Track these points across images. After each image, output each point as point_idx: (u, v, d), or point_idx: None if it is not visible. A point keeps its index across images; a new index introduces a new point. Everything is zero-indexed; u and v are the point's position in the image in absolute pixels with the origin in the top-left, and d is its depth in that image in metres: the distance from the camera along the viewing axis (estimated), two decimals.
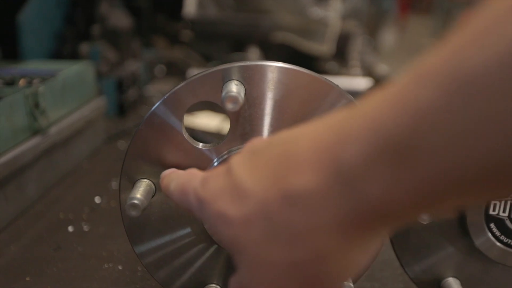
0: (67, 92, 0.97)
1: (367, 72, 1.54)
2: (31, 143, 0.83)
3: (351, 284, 0.54)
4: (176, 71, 1.76)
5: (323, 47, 1.71)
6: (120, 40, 1.44)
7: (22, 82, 0.92)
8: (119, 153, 1.10)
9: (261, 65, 0.51)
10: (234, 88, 0.48)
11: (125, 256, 0.69)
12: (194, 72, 1.61)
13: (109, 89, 1.33)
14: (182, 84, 0.51)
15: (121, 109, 1.36)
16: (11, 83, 0.92)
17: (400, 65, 2.06)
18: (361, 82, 1.57)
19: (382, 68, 1.34)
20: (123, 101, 1.37)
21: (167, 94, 0.51)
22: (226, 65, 0.51)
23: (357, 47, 1.86)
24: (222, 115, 1.25)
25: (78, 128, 1.00)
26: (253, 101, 0.51)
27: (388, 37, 3.48)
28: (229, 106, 0.47)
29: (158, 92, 1.52)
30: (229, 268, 0.55)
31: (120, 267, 0.66)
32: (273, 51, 1.82)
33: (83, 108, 1.04)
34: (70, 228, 0.76)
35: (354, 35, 1.80)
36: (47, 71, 0.98)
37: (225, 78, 0.50)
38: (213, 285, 0.55)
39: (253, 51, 1.57)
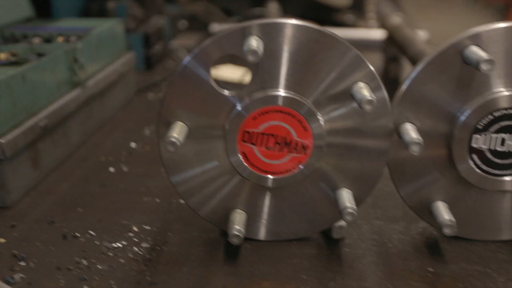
0: (101, 48, 1.07)
1: (382, 23, 1.59)
2: (72, 95, 0.92)
3: (344, 222, 0.64)
4: (198, 25, 1.83)
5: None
6: None
7: (60, 39, 1.02)
8: (149, 104, 1.20)
9: (277, 22, 0.60)
10: (254, 42, 0.57)
11: (161, 191, 0.79)
12: (216, 27, 1.68)
13: (136, 44, 1.42)
14: (209, 40, 0.60)
15: (148, 63, 1.45)
16: (49, 40, 1.02)
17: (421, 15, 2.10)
18: (376, 34, 1.63)
19: (395, 19, 1.40)
20: (150, 56, 1.45)
21: (197, 49, 0.60)
22: (247, 23, 0.60)
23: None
24: (243, 68, 1.33)
25: (112, 81, 1.10)
26: (270, 53, 0.60)
27: None
28: (250, 58, 0.56)
29: (182, 46, 1.60)
30: (252, 196, 0.65)
31: (157, 200, 0.77)
32: (292, 4, 1.87)
33: (115, 63, 1.13)
34: (112, 169, 0.87)
35: None
36: (81, 28, 1.07)
37: (246, 34, 0.59)
38: (238, 210, 0.65)
39: (272, 5, 1.63)
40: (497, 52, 0.61)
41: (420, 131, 0.62)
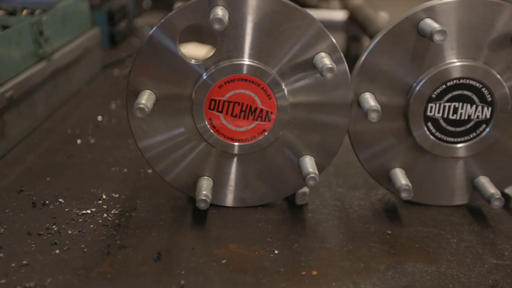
0: (65, 22, 1.06)
1: (344, 4, 1.62)
2: (38, 67, 0.92)
3: (307, 189, 0.66)
4: (162, 4, 1.83)
5: None
6: None
7: (25, 12, 1.01)
8: (115, 79, 1.20)
9: None
10: (220, 11, 0.59)
11: (129, 162, 0.80)
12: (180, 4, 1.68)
13: (101, 21, 1.41)
14: (175, 10, 0.62)
15: (113, 40, 1.45)
16: (13, 13, 1.01)
17: None
18: (338, 15, 1.66)
19: (357, 0, 1.43)
20: (115, 33, 1.45)
21: (163, 19, 0.62)
22: None
23: None
24: (208, 46, 1.34)
25: (77, 56, 1.10)
26: (235, 23, 0.62)
27: None
28: (216, 26, 0.58)
29: (146, 24, 1.60)
30: (219, 163, 0.67)
31: (125, 170, 0.78)
32: None
33: (80, 38, 1.13)
34: (79, 141, 0.88)
35: None
36: (45, 2, 1.07)
37: (212, 4, 0.61)
38: (205, 177, 0.67)
39: None
40: (450, 24, 0.64)
41: (378, 100, 0.65)
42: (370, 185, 0.75)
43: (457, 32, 0.64)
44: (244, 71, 0.62)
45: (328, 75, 0.59)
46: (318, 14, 1.94)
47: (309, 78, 0.64)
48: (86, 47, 1.15)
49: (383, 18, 1.33)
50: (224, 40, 0.62)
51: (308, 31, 0.62)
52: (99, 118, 0.98)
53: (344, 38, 1.40)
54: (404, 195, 0.65)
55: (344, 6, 1.53)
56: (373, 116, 0.61)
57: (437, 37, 0.60)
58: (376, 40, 0.64)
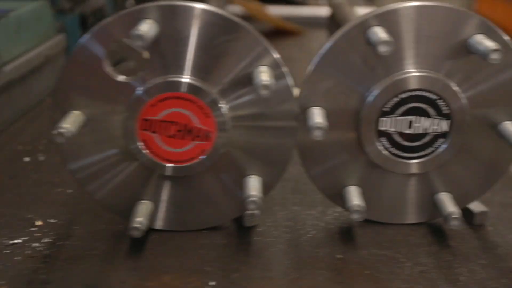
0: (22, 30, 1.02)
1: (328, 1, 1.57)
2: None
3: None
4: None
5: None
6: None
7: None
8: None
9: (177, 5, 0.57)
10: (144, 27, 0.54)
11: (76, 181, 0.76)
12: None
13: (72, 26, 1.37)
14: (110, 19, 0.57)
15: None
16: None
17: None
18: (323, 11, 1.61)
19: None
20: None
21: (96, 28, 0.57)
22: (142, 5, 0.57)
23: None
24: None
25: (36, 66, 1.06)
26: (168, 37, 0.57)
27: None
28: (136, 43, 0.53)
29: None
30: (159, 186, 0.62)
31: (70, 191, 0.74)
32: None
33: (40, 46, 1.09)
34: (27, 159, 0.83)
35: None
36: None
37: (140, 16, 0.56)
38: (145, 201, 0.62)
39: None
40: (408, 31, 0.59)
41: (328, 113, 0.60)
42: (328, 202, 0.70)
43: (414, 40, 0.59)
44: (180, 89, 0.58)
45: (263, 92, 0.54)
46: (304, 11, 1.90)
47: (251, 94, 0.59)
48: (47, 56, 1.11)
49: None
50: (157, 55, 0.58)
51: (250, 46, 0.58)
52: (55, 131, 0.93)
53: (327, 36, 1.35)
54: (355, 216, 0.60)
55: (328, 3, 1.48)
56: (317, 135, 0.57)
57: (381, 48, 0.55)
58: (324, 49, 0.60)
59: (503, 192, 0.74)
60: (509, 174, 0.78)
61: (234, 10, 1.42)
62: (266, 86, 0.54)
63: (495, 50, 0.55)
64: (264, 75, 0.55)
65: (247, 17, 1.45)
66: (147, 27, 0.54)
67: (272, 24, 1.62)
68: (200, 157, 0.60)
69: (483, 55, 0.56)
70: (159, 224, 0.64)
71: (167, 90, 0.58)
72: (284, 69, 0.59)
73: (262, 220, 0.67)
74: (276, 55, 0.58)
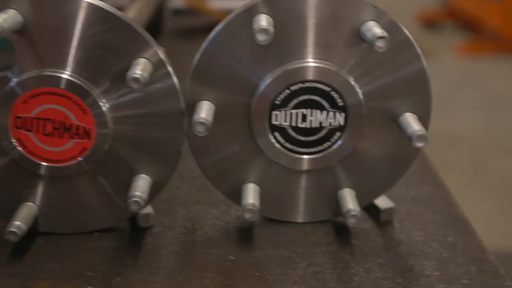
0: None
1: None
2: None
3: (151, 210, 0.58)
4: None
5: None
6: None
7: None
8: None
9: None
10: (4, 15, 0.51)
11: None
12: None
13: None
14: None
15: None
16: None
17: None
18: None
19: None
20: None
21: None
22: None
23: None
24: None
25: None
26: (41, 29, 0.54)
27: None
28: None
29: None
30: (45, 188, 0.59)
31: None
32: None
33: None
34: None
35: None
36: None
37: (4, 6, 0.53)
38: (28, 203, 0.59)
39: None
40: (298, 18, 0.56)
41: (219, 105, 0.57)
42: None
43: (306, 29, 0.57)
44: (59, 85, 0.55)
45: (134, 85, 0.51)
46: (245, 3, 1.86)
47: (132, 91, 0.56)
48: None
49: None
50: (24, 48, 0.54)
51: (129, 39, 0.55)
52: None
53: None
54: (247, 215, 0.57)
55: None
56: (199, 130, 0.54)
57: (259, 37, 0.52)
58: (210, 37, 0.57)
59: (418, 187, 0.71)
60: (426, 168, 0.76)
61: (174, 3, 1.38)
62: (136, 79, 0.51)
63: (381, 38, 0.52)
64: (137, 68, 0.52)
65: (189, 11, 1.41)
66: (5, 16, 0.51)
67: (215, 17, 1.59)
68: (82, 155, 0.57)
69: (370, 42, 0.53)
70: (45, 226, 0.60)
71: (37, 85, 0.54)
72: (167, 63, 0.55)
73: (160, 220, 0.64)
74: (158, 49, 0.55)
